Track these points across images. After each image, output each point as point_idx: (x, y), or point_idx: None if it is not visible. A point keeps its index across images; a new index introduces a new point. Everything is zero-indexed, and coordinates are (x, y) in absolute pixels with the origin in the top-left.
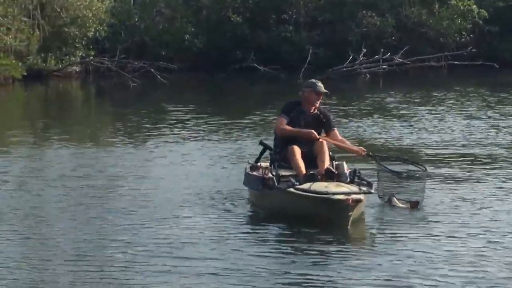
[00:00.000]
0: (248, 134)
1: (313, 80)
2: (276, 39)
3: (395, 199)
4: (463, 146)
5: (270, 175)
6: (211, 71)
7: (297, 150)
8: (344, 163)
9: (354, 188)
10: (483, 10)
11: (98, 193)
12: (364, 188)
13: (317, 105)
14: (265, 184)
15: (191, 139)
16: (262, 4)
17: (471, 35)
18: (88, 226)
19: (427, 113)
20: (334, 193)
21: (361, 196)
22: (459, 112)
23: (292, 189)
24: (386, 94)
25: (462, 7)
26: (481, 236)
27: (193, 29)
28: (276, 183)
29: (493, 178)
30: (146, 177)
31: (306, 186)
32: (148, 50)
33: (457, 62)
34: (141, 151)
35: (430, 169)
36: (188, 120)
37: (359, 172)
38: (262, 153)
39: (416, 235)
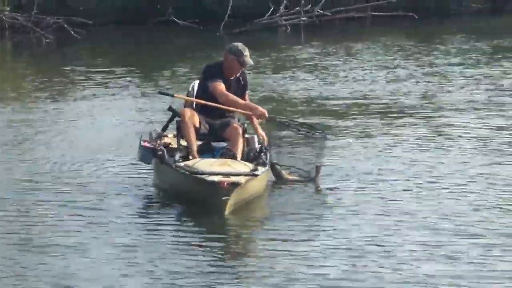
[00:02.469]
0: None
1: (240, 47)
2: None
3: (283, 173)
4: (375, 97)
5: (161, 146)
6: (131, 26)
7: (191, 119)
8: (255, 136)
9: (243, 169)
10: None
11: None
12: (259, 168)
13: (238, 74)
14: (155, 157)
15: (98, 97)
16: None
17: None
18: None
19: (342, 65)
20: (211, 173)
21: (241, 179)
22: (376, 63)
23: (174, 165)
24: (303, 47)
25: None
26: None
27: None
28: (165, 156)
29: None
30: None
31: (190, 162)
32: (66, 5)
33: (376, 13)
34: (39, 110)
35: (337, 122)
36: (98, 77)
37: (265, 149)
38: (170, 120)
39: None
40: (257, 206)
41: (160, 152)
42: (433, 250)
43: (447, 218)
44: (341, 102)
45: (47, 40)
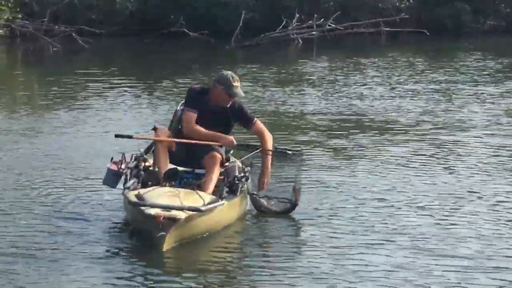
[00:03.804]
0: (164, 105)
1: (229, 77)
2: (210, 3)
3: (265, 202)
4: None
5: (126, 169)
6: (140, 36)
7: (163, 142)
8: (237, 163)
9: (191, 202)
10: None
11: None
12: (212, 202)
13: (228, 105)
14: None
15: (95, 108)
16: None
17: (411, 0)
18: None
19: (348, 80)
20: (152, 205)
21: (180, 214)
22: (382, 79)
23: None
24: (313, 61)
25: None
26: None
27: None
28: (120, 181)
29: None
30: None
31: (144, 190)
32: (78, 13)
33: (387, 29)
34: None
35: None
36: (99, 87)
37: (238, 179)
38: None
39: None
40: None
41: (122, 176)
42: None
43: (451, 244)
44: (337, 117)
45: (54, 49)
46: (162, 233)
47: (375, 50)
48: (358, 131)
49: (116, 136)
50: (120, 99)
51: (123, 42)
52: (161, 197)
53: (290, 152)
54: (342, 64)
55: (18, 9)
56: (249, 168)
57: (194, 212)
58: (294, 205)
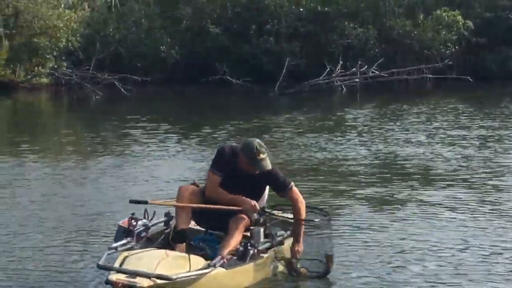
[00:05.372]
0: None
1: (254, 149)
2: (256, 50)
3: (296, 267)
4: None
5: (137, 227)
6: (185, 83)
7: (184, 199)
8: (261, 230)
9: (176, 268)
10: (469, 21)
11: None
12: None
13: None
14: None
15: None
16: (243, 14)
17: (456, 47)
18: None
19: (389, 127)
20: (118, 270)
21: (143, 282)
22: (425, 126)
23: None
24: (355, 108)
25: (447, 18)
26: None
27: (169, 40)
28: (134, 236)
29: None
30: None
31: (137, 251)
32: (123, 62)
33: (430, 76)
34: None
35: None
36: (143, 134)
37: (251, 246)
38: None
39: None
40: None
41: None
42: None
43: None
44: (378, 163)
45: (97, 97)
46: None
47: (418, 97)
48: (400, 178)
49: (131, 201)
50: (163, 147)
51: (167, 90)
52: (140, 260)
53: (317, 220)
54: (386, 111)
55: (63, 58)
56: (283, 232)
57: (162, 281)
58: (326, 272)
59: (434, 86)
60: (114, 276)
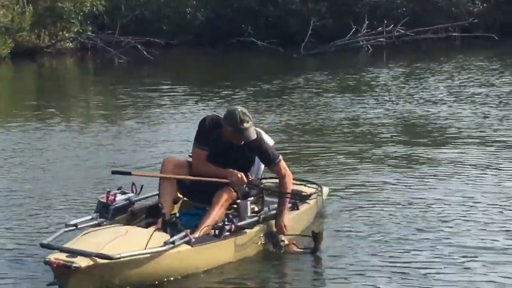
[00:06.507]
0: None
1: (238, 118)
2: (282, 12)
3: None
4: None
5: (113, 203)
6: (210, 46)
7: (171, 168)
8: (248, 204)
9: (131, 246)
10: None
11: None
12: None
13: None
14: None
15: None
16: None
17: (484, 4)
18: None
19: (413, 87)
20: (60, 249)
21: (81, 261)
22: (448, 85)
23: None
24: (380, 68)
25: None
26: None
27: (194, 2)
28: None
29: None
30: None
31: (96, 228)
32: (148, 25)
33: (457, 34)
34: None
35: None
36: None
37: (229, 221)
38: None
39: None
40: None
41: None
42: None
43: None
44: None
45: (120, 61)
46: (55, 283)
47: (445, 55)
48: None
49: (113, 172)
50: (182, 108)
51: (192, 53)
52: (92, 238)
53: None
54: (411, 70)
55: (88, 22)
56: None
57: (103, 260)
58: (313, 251)
59: (462, 44)
60: (53, 256)
